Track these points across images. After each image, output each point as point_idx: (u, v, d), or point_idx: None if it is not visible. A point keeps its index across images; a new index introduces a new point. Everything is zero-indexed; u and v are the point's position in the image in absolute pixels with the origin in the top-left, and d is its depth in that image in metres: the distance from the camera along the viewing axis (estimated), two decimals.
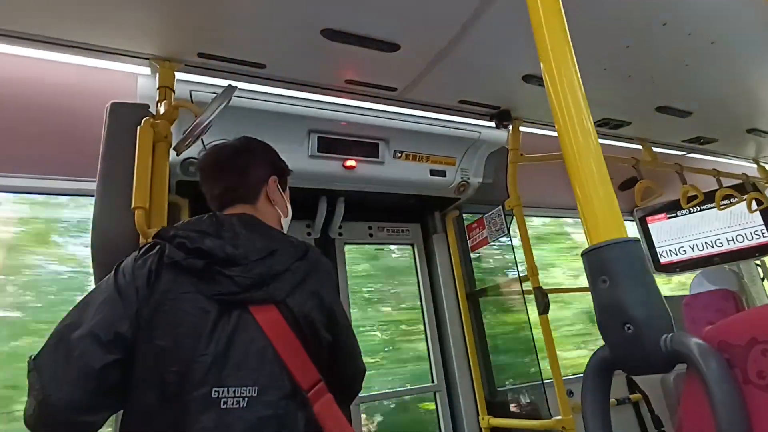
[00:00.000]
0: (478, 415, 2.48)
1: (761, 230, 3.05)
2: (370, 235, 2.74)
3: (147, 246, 1.06)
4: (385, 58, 1.75)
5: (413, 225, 2.86)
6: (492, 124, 2.41)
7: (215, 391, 0.89)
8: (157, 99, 1.63)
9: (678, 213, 3.25)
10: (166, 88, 1.64)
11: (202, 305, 0.96)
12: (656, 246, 3.33)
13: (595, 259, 0.53)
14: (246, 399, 0.90)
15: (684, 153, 2.99)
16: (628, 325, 0.49)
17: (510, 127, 2.35)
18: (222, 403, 0.89)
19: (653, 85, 2.13)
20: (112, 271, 1.02)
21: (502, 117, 2.29)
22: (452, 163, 2.48)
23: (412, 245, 2.85)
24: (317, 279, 1.10)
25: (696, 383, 0.47)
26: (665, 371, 0.50)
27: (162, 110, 1.59)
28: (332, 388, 1.11)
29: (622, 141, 2.67)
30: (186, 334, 0.93)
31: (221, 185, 1.21)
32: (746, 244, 3.05)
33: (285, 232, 1.28)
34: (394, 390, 2.59)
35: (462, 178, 2.51)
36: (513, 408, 2.46)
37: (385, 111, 2.18)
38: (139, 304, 0.95)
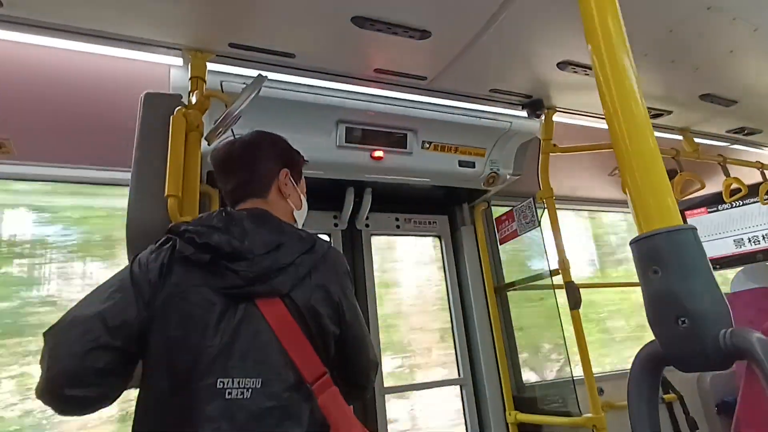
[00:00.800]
0: (504, 410, 2.44)
1: None
2: (397, 226, 2.72)
3: (161, 240, 1.10)
4: (415, 45, 1.72)
5: (441, 217, 2.83)
6: (523, 113, 2.35)
7: (221, 381, 0.92)
8: (189, 89, 1.65)
9: (719, 207, 3.11)
10: (198, 78, 1.66)
11: (210, 298, 0.99)
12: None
13: (647, 247, 0.50)
14: (250, 390, 0.93)
15: (727, 144, 2.85)
16: (682, 319, 0.46)
17: (543, 117, 2.28)
18: (227, 393, 0.91)
19: (696, 72, 2.03)
20: (130, 263, 1.07)
21: (535, 106, 2.22)
22: (482, 154, 2.43)
23: (439, 237, 2.82)
24: (324, 271, 1.10)
25: (756, 380, 0.43)
26: (723, 368, 0.47)
27: (194, 100, 1.61)
28: (344, 382, 1.12)
29: (662, 131, 2.55)
30: (194, 325, 0.97)
31: (232, 181, 1.24)
32: None
33: (300, 225, 1.29)
34: (421, 383, 2.58)
35: (491, 169, 2.46)
36: (541, 404, 2.41)
37: (414, 101, 2.15)
38: (151, 296, 0.99)
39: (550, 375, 2.59)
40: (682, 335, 0.47)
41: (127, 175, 1.50)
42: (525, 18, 1.62)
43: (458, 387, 2.58)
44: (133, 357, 0.99)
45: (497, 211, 2.75)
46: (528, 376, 2.56)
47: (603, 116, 2.05)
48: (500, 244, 2.67)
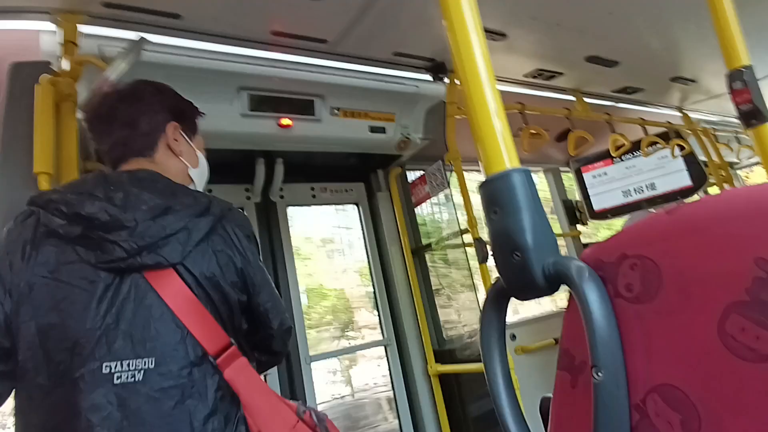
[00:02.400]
0: (426, 364, 2.58)
1: (684, 175, 3.26)
2: (313, 196, 2.70)
3: (24, 215, 0.95)
4: (311, 6, 1.67)
5: (357, 184, 2.85)
6: (428, 77, 2.38)
7: (106, 365, 0.84)
8: (59, 55, 1.48)
9: (611, 163, 3.41)
10: (69, 43, 1.49)
11: (87, 275, 0.88)
12: (590, 195, 3.49)
13: (488, 191, 0.54)
14: (142, 371, 0.85)
15: (613, 104, 3.10)
16: (516, 253, 0.51)
17: (446, 80, 2.33)
18: (116, 377, 0.84)
19: (581, 34, 2.17)
20: None
21: (438, 69, 2.26)
22: (391, 119, 2.45)
23: (356, 204, 2.84)
24: (223, 235, 1.01)
25: (574, 302, 0.49)
26: (549, 293, 0.52)
27: (66, 67, 1.45)
28: (256, 350, 1.08)
29: (556, 92, 2.72)
30: (71, 307, 0.86)
31: (109, 139, 1.07)
32: (670, 188, 3.26)
33: (198, 184, 1.16)
34: (345, 348, 2.64)
35: (402, 134, 2.49)
36: (460, 355, 2.57)
37: (319, 65, 2.10)
38: (13, 281, 0.88)
39: (467, 327, 2.75)
40: (516, 267, 0.51)
41: None
42: None
43: (383, 347, 2.68)
44: (9, 351, 0.87)
45: (412, 176, 2.81)
46: (449, 331, 2.71)
47: (501, 78, 2.13)
48: (415, 207, 2.75)
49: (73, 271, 0.88)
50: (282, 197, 2.57)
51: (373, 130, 2.42)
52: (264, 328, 1.08)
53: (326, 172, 2.72)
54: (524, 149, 2.47)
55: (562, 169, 3.69)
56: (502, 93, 2.03)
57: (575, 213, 3.56)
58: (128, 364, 0.85)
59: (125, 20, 1.62)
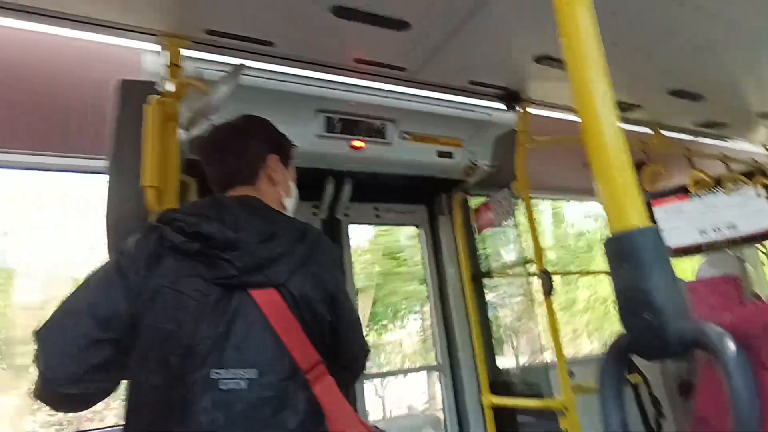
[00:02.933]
0: (480, 394, 2.52)
1: (766, 216, 3.04)
2: (377, 216, 2.74)
3: (149, 229, 1.06)
4: (394, 37, 1.73)
5: (419, 207, 2.86)
6: (501, 105, 2.38)
7: (215, 372, 0.90)
8: (165, 76, 1.61)
9: (686, 198, 3.24)
10: (174, 66, 1.62)
11: (202, 289, 0.96)
12: (660, 231, 3.32)
13: (617, 246, 0.53)
14: (246, 381, 0.91)
15: (693, 138, 2.96)
16: (647, 312, 0.50)
17: (519, 109, 2.32)
18: (222, 384, 0.90)
19: (667, 67, 2.10)
20: (116, 253, 1.03)
21: (512, 98, 2.26)
22: (460, 145, 2.46)
23: (417, 227, 2.86)
24: (318, 260, 1.08)
25: (712, 368, 0.48)
26: (682, 357, 0.50)
27: (170, 88, 1.58)
28: (335, 369, 1.11)
29: (630, 124, 2.64)
30: (187, 317, 0.94)
31: (220, 168, 1.20)
32: (753, 230, 3.04)
33: (290, 212, 1.26)
34: (399, 369, 2.63)
35: (469, 160, 2.50)
36: (515, 388, 2.50)
37: (394, 91, 2.16)
38: (139, 287, 0.96)
39: (524, 360, 2.68)
40: (646, 327, 0.50)
41: (97, 163, 1.46)
42: (504, 12, 1.64)
43: (436, 372, 2.65)
44: (128, 349, 0.95)
45: (475, 201, 2.79)
46: (503, 361, 2.65)
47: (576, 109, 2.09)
48: (477, 233, 2.72)
49: (189, 284, 0.96)
50: (347, 215, 2.64)
51: (441, 154, 2.44)
52: (346, 350, 1.13)
53: (390, 193, 2.76)
54: (594, 182, 2.39)
55: None
56: (571, 123, 2.02)
57: None
58: (234, 374, 0.91)
59: (222, 46, 1.75)
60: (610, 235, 0.55)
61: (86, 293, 0.96)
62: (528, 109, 2.36)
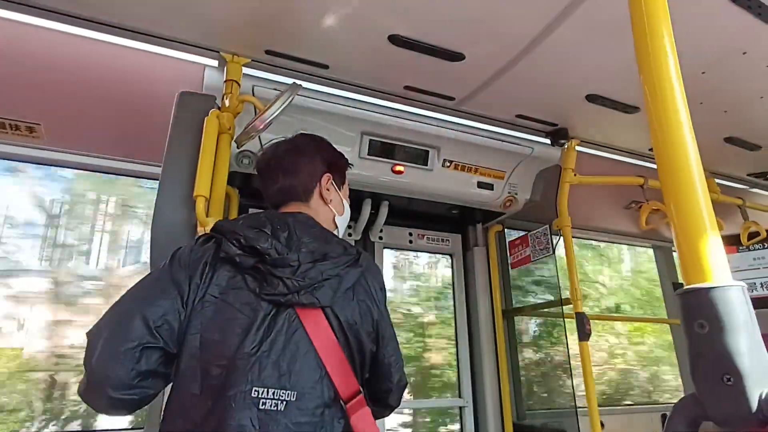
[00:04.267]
0: None
1: None
2: (410, 241, 2.73)
3: (204, 238, 1.07)
4: (448, 67, 1.74)
5: (454, 235, 2.83)
6: (545, 140, 2.36)
7: (256, 390, 0.89)
8: (224, 91, 1.67)
9: (735, 250, 3.09)
10: (232, 82, 1.68)
11: (252, 303, 0.96)
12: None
13: (695, 301, 0.51)
14: (284, 402, 0.90)
15: (747, 187, 2.84)
16: (728, 377, 0.47)
17: (566, 146, 2.29)
18: (261, 403, 0.89)
19: (725, 115, 2.04)
20: (168, 259, 1.04)
21: (559, 135, 2.23)
22: (501, 177, 2.44)
23: (451, 256, 2.82)
24: (366, 287, 1.08)
25: None
26: (762, 428, 0.47)
27: (228, 103, 1.64)
28: (372, 401, 1.09)
29: None
30: (233, 329, 0.94)
31: (276, 185, 1.21)
32: None
33: (340, 230, 1.27)
34: (421, 401, 2.56)
35: (509, 192, 2.47)
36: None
37: (439, 119, 2.17)
38: (191, 295, 0.97)
39: (553, 404, 2.56)
40: (726, 393, 0.47)
41: (155, 169, 1.52)
42: (559, 50, 1.64)
43: (458, 408, 2.56)
44: (173, 357, 0.96)
45: (510, 235, 2.74)
46: (530, 403, 2.54)
47: (625, 150, 2.05)
48: (512, 268, 2.66)
49: (239, 296, 0.97)
50: (381, 238, 2.63)
51: (481, 185, 2.42)
52: (384, 381, 1.11)
53: (426, 220, 2.75)
54: (641, 226, 2.32)
55: (674, 248, 3.40)
56: (624, 164, 1.96)
57: None
58: (273, 393, 0.90)
59: (279, 66, 1.81)
60: (686, 287, 0.52)
61: (138, 298, 0.97)
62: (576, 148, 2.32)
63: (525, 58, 1.68)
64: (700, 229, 0.52)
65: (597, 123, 2.16)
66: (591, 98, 1.93)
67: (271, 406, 0.89)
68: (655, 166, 2.06)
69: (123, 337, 0.90)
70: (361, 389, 1.00)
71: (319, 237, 1.08)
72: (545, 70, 1.75)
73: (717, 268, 0.50)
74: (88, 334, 0.93)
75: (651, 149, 2.39)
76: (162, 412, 0.97)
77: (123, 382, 0.89)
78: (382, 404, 1.15)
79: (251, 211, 2.31)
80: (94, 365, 0.89)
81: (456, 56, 1.68)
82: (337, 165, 1.30)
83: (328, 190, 1.23)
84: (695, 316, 0.50)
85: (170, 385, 0.98)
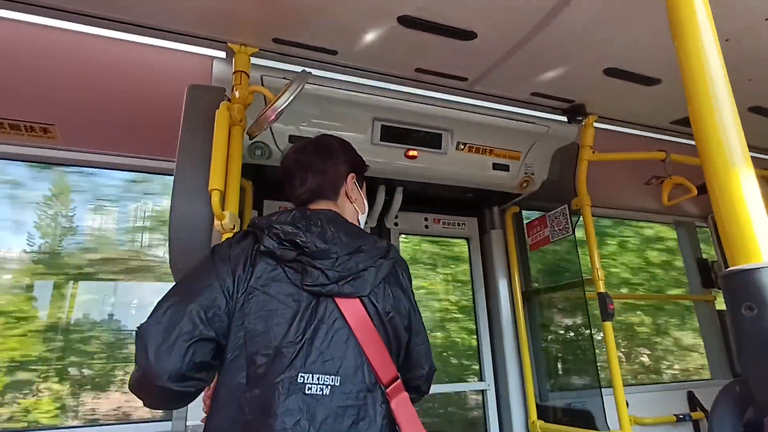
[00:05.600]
0: (527, 418, 2.42)
1: None
2: (426, 227, 2.71)
3: (241, 234, 1.12)
4: (459, 46, 1.70)
5: (470, 219, 2.81)
6: (561, 118, 2.30)
7: (301, 376, 0.94)
8: (233, 83, 1.65)
9: None
10: (241, 73, 1.66)
11: (293, 294, 1.01)
12: None
13: (741, 283, 0.48)
14: (329, 387, 0.94)
15: None
16: None
17: (583, 122, 2.23)
18: (307, 388, 0.93)
19: (749, 84, 1.95)
20: (210, 254, 1.08)
21: (577, 111, 2.17)
22: (517, 158, 2.39)
23: (467, 239, 2.80)
24: (398, 278, 1.14)
25: None
26: None
27: (237, 94, 1.62)
28: (405, 388, 1.11)
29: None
30: (277, 319, 0.98)
31: (303, 185, 1.24)
32: None
33: (362, 226, 1.31)
34: (444, 386, 2.57)
35: (526, 173, 2.42)
36: (565, 414, 2.38)
37: (452, 101, 2.12)
38: (235, 289, 1.00)
39: (576, 384, 2.55)
40: None
41: (169, 164, 1.52)
42: (575, 24, 1.58)
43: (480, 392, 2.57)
44: (223, 349, 0.99)
45: (527, 216, 2.70)
46: (552, 384, 2.53)
47: (645, 125, 1.98)
48: (530, 250, 2.63)
49: (280, 288, 1.01)
50: (396, 224, 2.62)
51: (496, 167, 2.38)
52: (416, 369, 1.16)
53: (441, 204, 2.72)
54: (664, 202, 2.26)
55: (698, 224, 3.32)
56: (644, 138, 1.89)
57: (710, 275, 3.16)
58: (318, 378, 0.94)
59: (288, 54, 1.78)
60: (731, 268, 0.49)
61: (186, 292, 0.99)
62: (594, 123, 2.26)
63: (540, 33, 1.62)
64: (745, 206, 0.49)
65: (615, 97, 2.09)
66: (610, 72, 1.86)
67: (316, 390, 0.93)
68: (676, 140, 2.00)
69: (178, 329, 0.93)
70: (399, 375, 1.04)
71: (351, 232, 1.12)
72: (561, 45, 1.69)
73: (760, 247, 0.47)
74: (139, 329, 0.95)
75: (673, 122, 2.33)
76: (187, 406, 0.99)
77: (181, 374, 0.91)
78: (415, 390, 1.19)
79: (266, 203, 2.31)
80: (151, 359, 0.90)
81: (468, 35, 1.63)
82: (360, 166, 1.35)
83: (352, 189, 1.28)
84: (742, 298, 0.47)
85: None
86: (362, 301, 1.03)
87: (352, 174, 1.29)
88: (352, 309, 1.01)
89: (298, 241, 1.03)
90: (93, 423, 2.21)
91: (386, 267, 1.09)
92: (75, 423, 2.17)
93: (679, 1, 0.62)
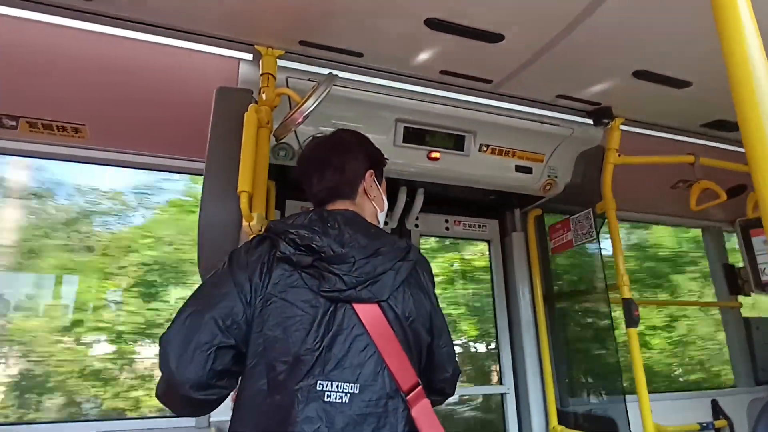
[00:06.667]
0: (547, 422, 2.39)
1: None
2: (447, 228, 2.70)
3: (258, 239, 1.11)
4: (485, 49, 1.68)
5: (491, 221, 2.79)
6: (587, 120, 2.26)
7: (320, 383, 0.93)
8: (260, 85, 1.67)
9: None
10: (268, 75, 1.68)
11: (311, 300, 0.99)
12: (758, 261, 3.01)
13: None
14: (348, 395, 0.93)
15: None
16: None
17: (609, 125, 2.19)
18: (326, 396, 0.92)
19: None
20: (227, 261, 1.07)
21: (603, 114, 2.13)
22: (540, 160, 2.37)
23: (488, 242, 2.78)
24: (418, 279, 1.10)
25: None
26: None
27: (265, 96, 1.63)
28: (427, 389, 1.09)
29: (735, 145, 2.41)
30: (295, 326, 0.97)
31: (320, 183, 1.22)
32: None
33: (381, 225, 1.28)
34: (464, 389, 2.56)
35: (549, 176, 2.40)
36: (586, 421, 2.35)
37: (475, 103, 2.11)
38: (252, 295, 1.00)
39: (598, 391, 2.51)
40: None
41: (197, 165, 1.54)
42: (604, 27, 1.55)
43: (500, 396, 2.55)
44: (244, 356, 0.99)
45: (549, 219, 2.67)
46: (574, 389, 2.50)
47: (674, 128, 1.94)
48: (552, 254, 2.60)
49: (298, 294, 1.00)
50: (417, 226, 2.61)
51: (519, 169, 2.36)
52: (440, 371, 1.14)
53: (462, 206, 2.70)
54: (692, 207, 2.21)
55: (725, 229, 3.24)
56: (670, 141, 1.85)
57: (737, 281, 3.09)
58: (337, 386, 0.93)
59: (313, 56, 1.79)
60: None
61: (205, 300, 1.00)
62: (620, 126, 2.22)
63: (568, 36, 1.60)
64: None
65: (644, 100, 2.06)
66: (638, 75, 1.83)
67: (336, 398, 0.92)
68: (705, 143, 1.95)
69: (197, 339, 0.93)
70: (420, 382, 1.01)
71: (370, 233, 1.09)
72: (589, 47, 1.67)
73: None
74: (161, 339, 0.96)
75: (703, 125, 2.28)
76: None
77: (202, 383, 0.92)
78: (439, 393, 1.18)
79: (288, 203, 2.33)
80: (173, 369, 0.91)
81: (495, 37, 1.62)
82: (379, 161, 1.32)
83: (371, 186, 1.25)
84: None
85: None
86: (381, 306, 1.01)
87: (371, 170, 1.26)
88: (370, 315, 0.99)
89: (314, 245, 1.01)
90: (117, 417, 2.26)
91: (405, 269, 1.06)
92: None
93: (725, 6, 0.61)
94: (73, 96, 1.87)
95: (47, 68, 1.74)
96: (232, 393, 1.06)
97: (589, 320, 2.50)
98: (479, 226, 2.76)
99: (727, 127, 2.23)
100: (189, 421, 1.96)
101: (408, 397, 0.98)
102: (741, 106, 0.58)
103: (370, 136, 2.04)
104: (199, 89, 1.78)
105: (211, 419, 1.90)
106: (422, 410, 0.98)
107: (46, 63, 1.73)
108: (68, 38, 1.67)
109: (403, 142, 2.13)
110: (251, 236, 1.42)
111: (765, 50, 0.64)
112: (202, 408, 0.97)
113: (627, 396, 2.19)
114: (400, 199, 2.43)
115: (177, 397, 0.93)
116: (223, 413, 1.09)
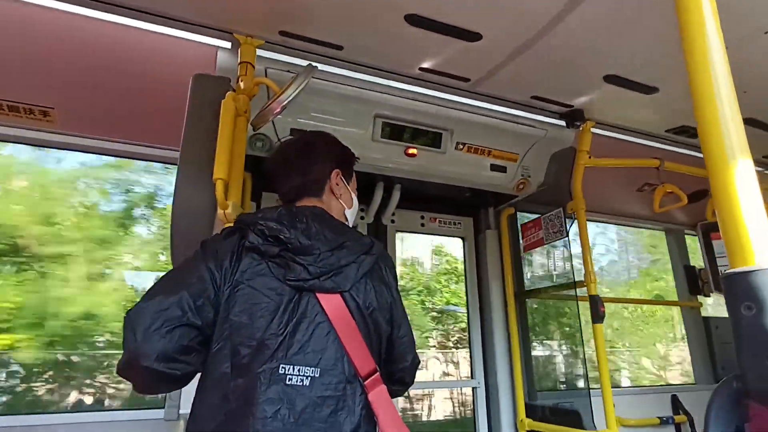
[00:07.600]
0: (515, 415, 2.45)
1: None
2: (422, 225, 2.73)
3: (228, 230, 1.15)
4: (464, 47, 1.72)
5: (466, 219, 2.83)
6: (560, 122, 2.33)
7: (283, 367, 0.97)
8: (238, 74, 1.66)
9: None
10: (247, 64, 1.66)
11: (276, 288, 1.03)
12: (718, 264, 3.15)
13: (741, 284, 0.50)
14: (309, 378, 0.97)
15: (762, 170, 2.80)
16: None
17: (581, 128, 2.26)
18: (288, 379, 0.96)
19: (744, 95, 1.99)
20: (200, 247, 1.11)
21: (575, 116, 2.20)
22: (514, 160, 2.42)
23: (463, 239, 2.83)
24: (380, 274, 1.16)
25: None
26: None
27: (243, 85, 1.62)
28: (387, 379, 1.14)
29: (698, 151, 2.52)
30: (260, 312, 1.01)
31: (287, 184, 1.29)
32: None
33: (350, 222, 1.34)
34: (433, 381, 2.60)
35: (523, 175, 2.46)
36: (553, 414, 2.42)
37: (453, 101, 2.14)
38: (222, 281, 1.03)
39: (564, 385, 2.59)
40: None
41: (170, 153, 1.51)
42: (579, 30, 1.60)
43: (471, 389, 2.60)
44: (208, 339, 1.01)
45: (522, 218, 2.74)
46: (541, 384, 2.57)
47: (641, 132, 2.02)
48: (524, 251, 2.66)
49: (264, 282, 1.03)
50: (393, 222, 2.63)
51: (494, 168, 2.41)
52: (400, 361, 1.19)
53: (438, 203, 2.74)
54: (655, 209, 2.30)
55: (687, 232, 3.38)
56: (637, 145, 1.93)
57: (697, 282, 3.23)
58: (299, 370, 0.97)
59: (293, 47, 1.79)
60: (732, 269, 0.52)
61: (176, 281, 1.02)
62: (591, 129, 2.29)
63: (544, 37, 1.65)
64: (747, 210, 0.51)
65: (614, 104, 2.13)
66: (609, 79, 1.90)
67: (297, 381, 0.96)
68: (670, 148, 2.04)
69: (167, 314, 0.95)
70: (378, 369, 1.06)
71: (335, 228, 1.15)
72: (564, 49, 1.72)
73: (763, 250, 0.50)
74: (128, 313, 0.97)
75: (668, 130, 2.37)
76: (180, 394, 1.01)
77: (168, 355, 0.94)
78: (399, 383, 1.22)
79: (265, 194, 2.31)
80: (140, 340, 0.92)
81: (473, 36, 1.65)
82: (346, 161, 1.37)
83: (337, 185, 1.30)
84: (742, 298, 0.50)
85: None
86: (343, 296, 1.06)
87: (337, 170, 1.31)
88: (333, 304, 1.04)
89: (281, 237, 1.06)
90: (87, 408, 2.20)
91: (368, 263, 1.12)
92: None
93: (689, 5, 0.65)
94: (42, 78, 1.81)
95: (14, 47, 1.68)
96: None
97: (558, 316, 2.57)
98: (454, 224, 2.81)
99: (690, 133, 2.33)
100: (158, 413, 1.93)
101: (366, 383, 1.02)
102: (701, 112, 0.62)
103: (348, 130, 2.09)
104: (175, 76, 1.75)
105: (180, 411, 1.87)
106: (379, 395, 1.03)
107: (13, 41, 1.67)
108: (37, 16, 1.62)
109: (381, 137, 2.15)
110: (226, 224, 1.42)
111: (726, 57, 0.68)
112: (167, 383, 0.99)
113: (592, 390, 2.27)
114: (376, 195, 2.45)
115: (140, 369, 0.93)
116: None
